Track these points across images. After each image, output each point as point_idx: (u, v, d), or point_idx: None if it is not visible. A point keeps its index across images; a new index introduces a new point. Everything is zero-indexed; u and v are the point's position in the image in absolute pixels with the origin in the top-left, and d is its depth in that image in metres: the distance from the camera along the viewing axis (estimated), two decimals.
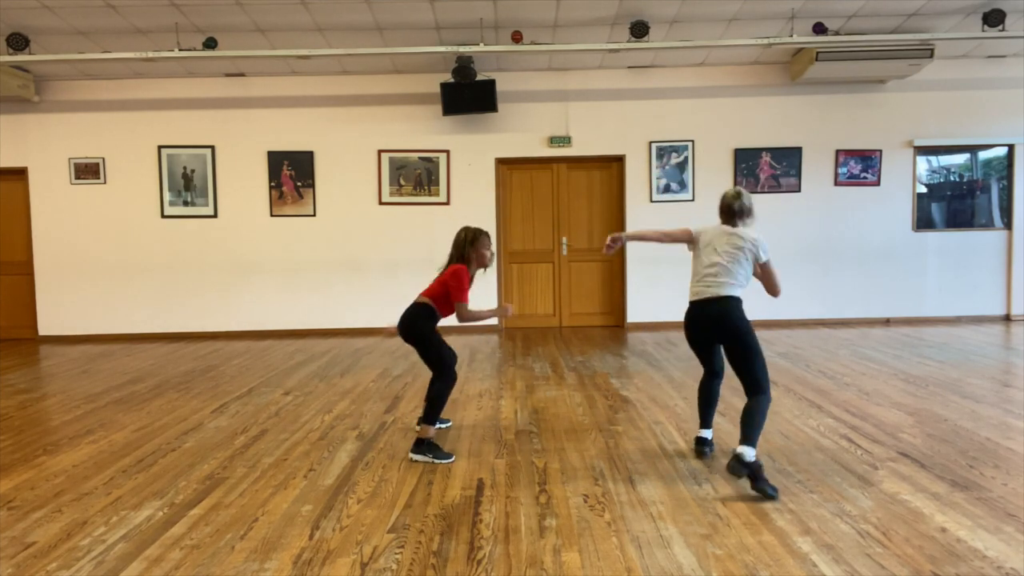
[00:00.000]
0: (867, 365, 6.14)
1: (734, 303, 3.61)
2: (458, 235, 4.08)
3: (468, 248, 4.01)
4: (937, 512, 2.97)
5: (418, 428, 3.96)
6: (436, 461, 3.78)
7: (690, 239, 3.80)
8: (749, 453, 3.23)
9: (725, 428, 4.29)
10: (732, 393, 5.10)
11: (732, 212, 3.71)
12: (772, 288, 3.80)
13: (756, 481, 3.20)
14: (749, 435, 3.30)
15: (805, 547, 2.67)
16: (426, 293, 4.03)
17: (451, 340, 8.08)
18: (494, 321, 8.86)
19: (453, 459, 3.81)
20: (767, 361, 3.64)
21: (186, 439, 4.30)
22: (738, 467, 3.22)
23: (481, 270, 4.13)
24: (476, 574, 2.52)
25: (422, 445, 3.86)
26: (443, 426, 4.46)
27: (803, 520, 2.91)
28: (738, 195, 3.73)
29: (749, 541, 2.73)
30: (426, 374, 6.18)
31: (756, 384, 3.49)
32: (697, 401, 3.96)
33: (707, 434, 3.89)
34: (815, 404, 4.81)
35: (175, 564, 2.63)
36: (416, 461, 3.82)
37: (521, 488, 3.36)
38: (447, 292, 3.97)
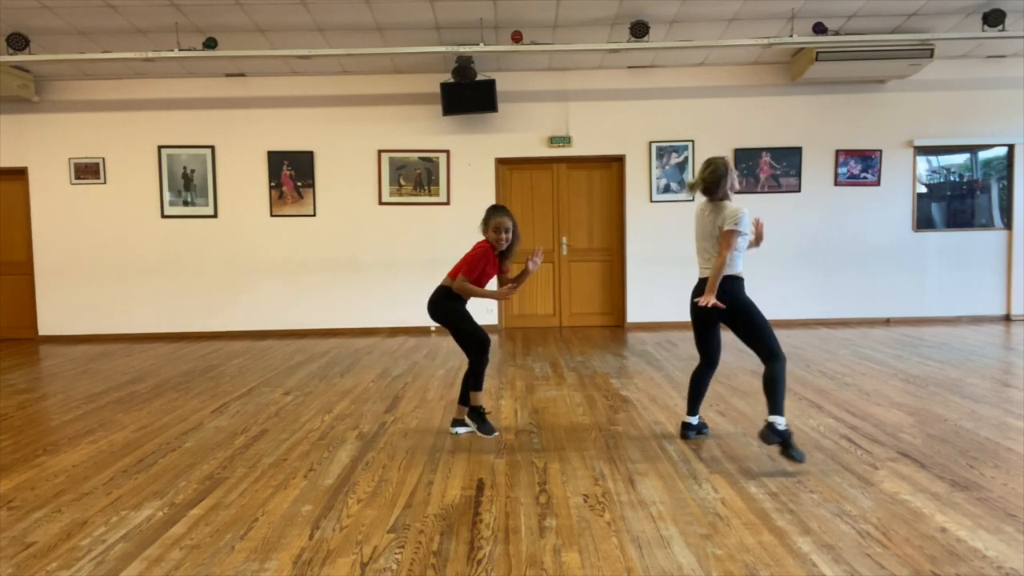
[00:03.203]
0: (867, 365, 6.14)
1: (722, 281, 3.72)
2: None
3: (483, 227, 4.09)
4: (937, 512, 2.97)
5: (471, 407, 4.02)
6: (480, 434, 3.78)
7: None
8: (780, 422, 3.49)
9: (724, 428, 4.29)
10: (732, 393, 5.12)
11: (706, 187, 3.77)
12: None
13: (786, 448, 3.47)
14: (775, 404, 3.53)
15: (805, 547, 2.67)
16: (450, 274, 4.12)
17: (450, 339, 8.11)
18: (494, 321, 8.86)
19: (497, 434, 3.81)
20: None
21: (186, 439, 4.30)
22: (771, 435, 3.49)
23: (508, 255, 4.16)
24: (476, 574, 2.52)
25: (472, 413, 3.92)
26: (490, 436, 4.17)
27: (803, 520, 2.91)
28: (705, 167, 3.76)
29: (749, 541, 2.73)
30: (426, 373, 6.21)
31: (767, 351, 3.61)
32: (688, 389, 4.11)
33: (692, 420, 4.08)
34: (815, 404, 4.81)
35: (175, 564, 2.63)
36: (458, 434, 3.85)
37: (521, 488, 3.35)
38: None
